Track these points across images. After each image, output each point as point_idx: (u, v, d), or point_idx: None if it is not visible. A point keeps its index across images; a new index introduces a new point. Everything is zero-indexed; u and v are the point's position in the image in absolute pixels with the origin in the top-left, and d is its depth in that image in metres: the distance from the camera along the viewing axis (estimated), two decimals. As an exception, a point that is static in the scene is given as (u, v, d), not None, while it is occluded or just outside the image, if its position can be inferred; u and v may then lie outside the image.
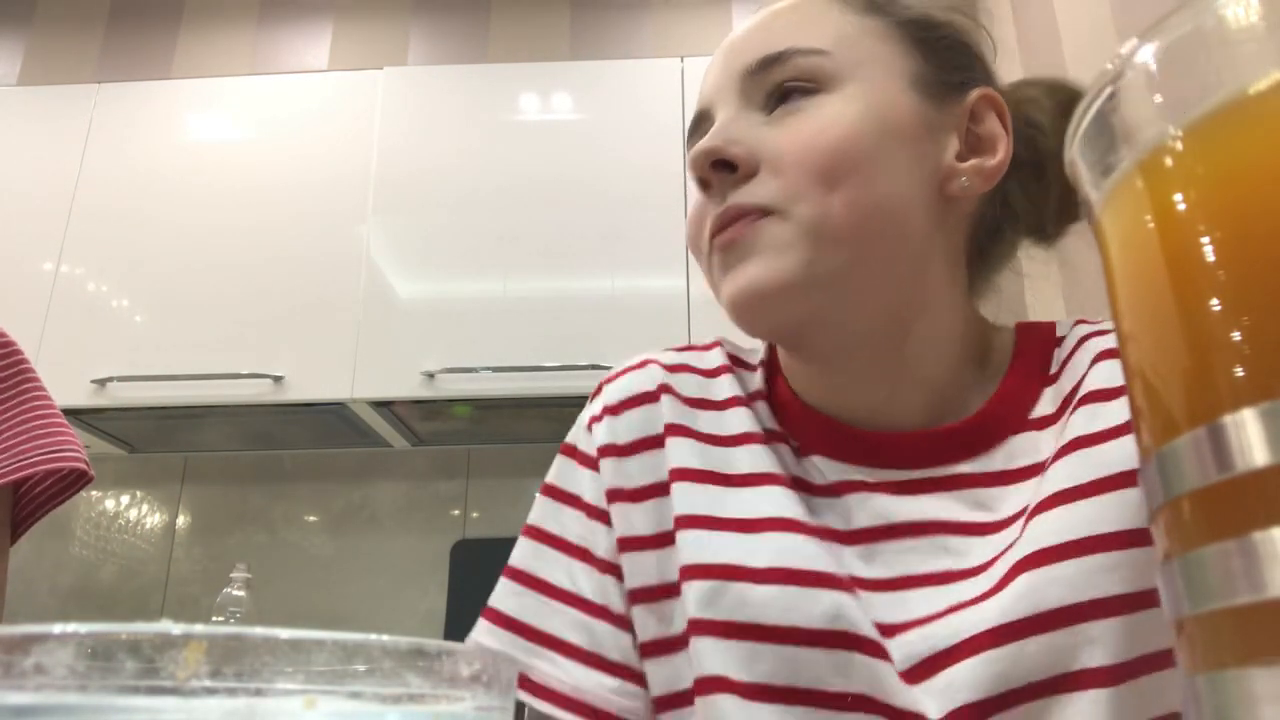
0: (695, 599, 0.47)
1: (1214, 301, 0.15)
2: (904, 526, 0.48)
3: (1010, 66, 2.14)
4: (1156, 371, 0.17)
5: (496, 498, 2.14)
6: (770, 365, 0.58)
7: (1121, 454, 0.45)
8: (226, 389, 1.86)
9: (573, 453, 0.57)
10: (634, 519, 0.52)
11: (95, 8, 2.49)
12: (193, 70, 2.38)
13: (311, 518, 2.17)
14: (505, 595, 0.54)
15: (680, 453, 0.53)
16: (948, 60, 0.54)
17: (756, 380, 0.58)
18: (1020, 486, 0.48)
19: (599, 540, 0.53)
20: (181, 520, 2.17)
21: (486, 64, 2.32)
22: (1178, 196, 0.16)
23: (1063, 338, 0.55)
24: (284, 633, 0.16)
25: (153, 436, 2.09)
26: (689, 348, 0.60)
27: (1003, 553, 0.46)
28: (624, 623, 0.51)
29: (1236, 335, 0.15)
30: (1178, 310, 0.16)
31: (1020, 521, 0.46)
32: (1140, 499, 0.39)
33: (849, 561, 0.48)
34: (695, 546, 0.49)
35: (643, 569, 0.51)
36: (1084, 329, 0.54)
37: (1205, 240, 0.16)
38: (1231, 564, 0.15)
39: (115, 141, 2.07)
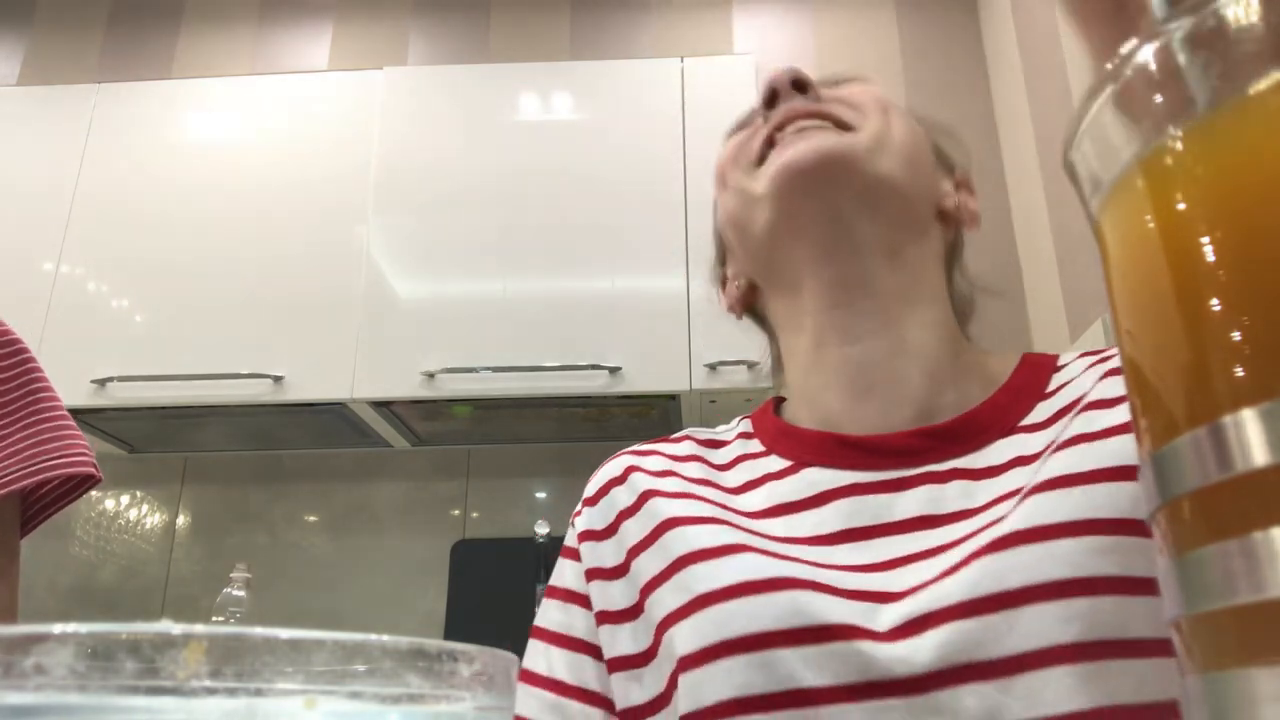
0: (688, 634, 0.49)
1: (1214, 301, 0.15)
2: (899, 524, 0.50)
3: (1011, 66, 2.14)
4: (1156, 371, 0.17)
5: (496, 498, 2.14)
6: (758, 417, 0.64)
7: (1121, 449, 0.47)
8: (226, 389, 1.86)
9: (563, 551, 0.62)
10: (611, 593, 0.57)
11: (95, 8, 2.49)
12: (193, 70, 2.38)
13: (311, 518, 2.17)
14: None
15: (666, 505, 0.57)
16: (948, 144, 0.65)
17: (734, 443, 0.63)
18: (1010, 474, 0.50)
19: (576, 623, 0.57)
20: (181, 520, 2.17)
21: (486, 64, 2.32)
22: (1178, 196, 0.16)
23: (1065, 365, 0.58)
24: (284, 633, 0.16)
25: (153, 436, 2.09)
26: (659, 439, 0.65)
27: (992, 523, 0.47)
28: (596, 700, 0.55)
29: (1236, 335, 0.15)
30: (1178, 310, 0.16)
31: (1012, 501, 0.48)
32: (1136, 492, 0.40)
33: (841, 556, 0.50)
34: (684, 584, 0.52)
35: (620, 640, 0.55)
36: (1090, 358, 0.56)
37: (1205, 240, 0.16)
38: (1231, 564, 0.15)
39: (115, 141, 2.08)
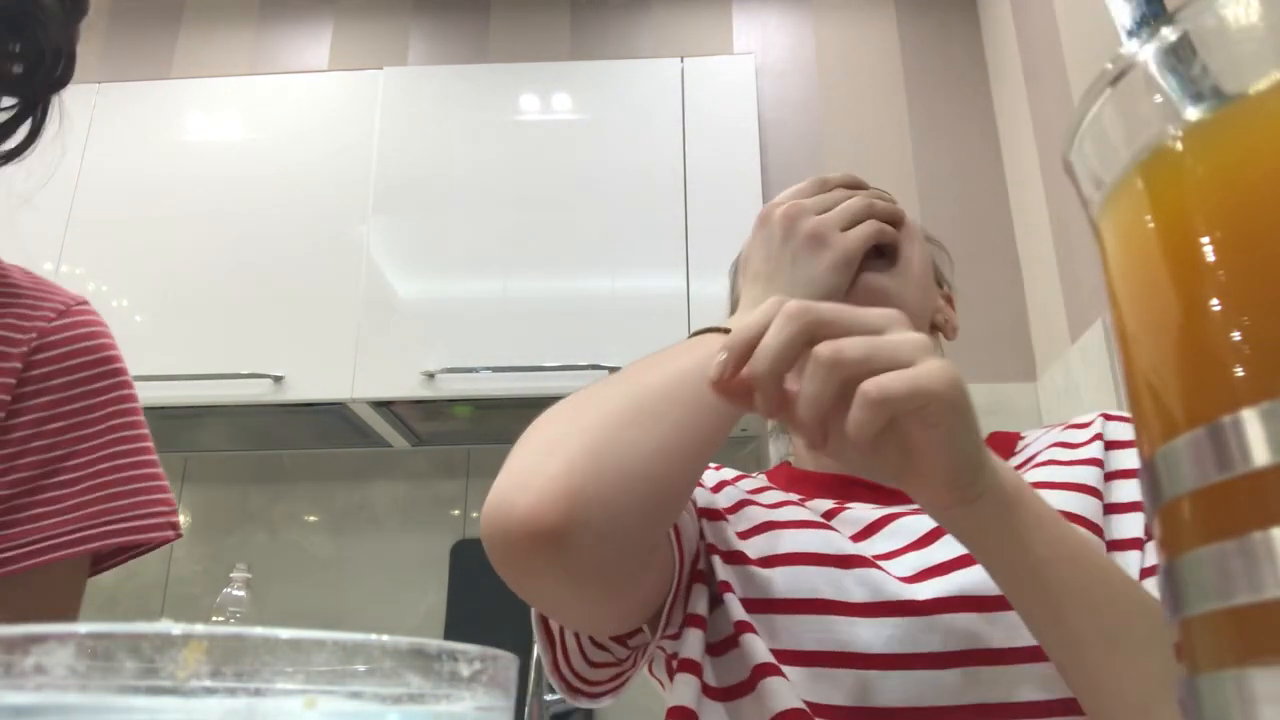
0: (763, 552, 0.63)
1: (1214, 301, 0.15)
2: (910, 526, 0.64)
3: (1011, 66, 2.14)
4: (1156, 371, 0.17)
5: (496, 498, 2.14)
6: (772, 475, 0.75)
7: (1085, 474, 0.61)
8: (226, 389, 1.86)
9: None
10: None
11: (95, 8, 2.49)
12: (193, 70, 2.38)
13: (311, 518, 2.17)
14: None
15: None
16: (941, 260, 0.76)
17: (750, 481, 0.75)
18: None
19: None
20: (181, 520, 2.17)
21: (486, 64, 2.32)
22: (1178, 196, 0.16)
23: (1027, 440, 0.71)
24: (284, 633, 0.16)
25: (153, 436, 2.08)
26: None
27: None
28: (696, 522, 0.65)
29: (1236, 335, 0.15)
30: (1178, 310, 0.16)
31: None
32: (1096, 508, 0.58)
33: (866, 545, 0.63)
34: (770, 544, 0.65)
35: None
36: (1051, 429, 0.70)
37: (1205, 240, 0.16)
38: (1231, 564, 0.15)
39: (115, 141, 2.08)
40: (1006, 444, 0.71)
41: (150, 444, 0.72)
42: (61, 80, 0.68)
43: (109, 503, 0.64)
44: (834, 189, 0.63)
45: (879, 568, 0.59)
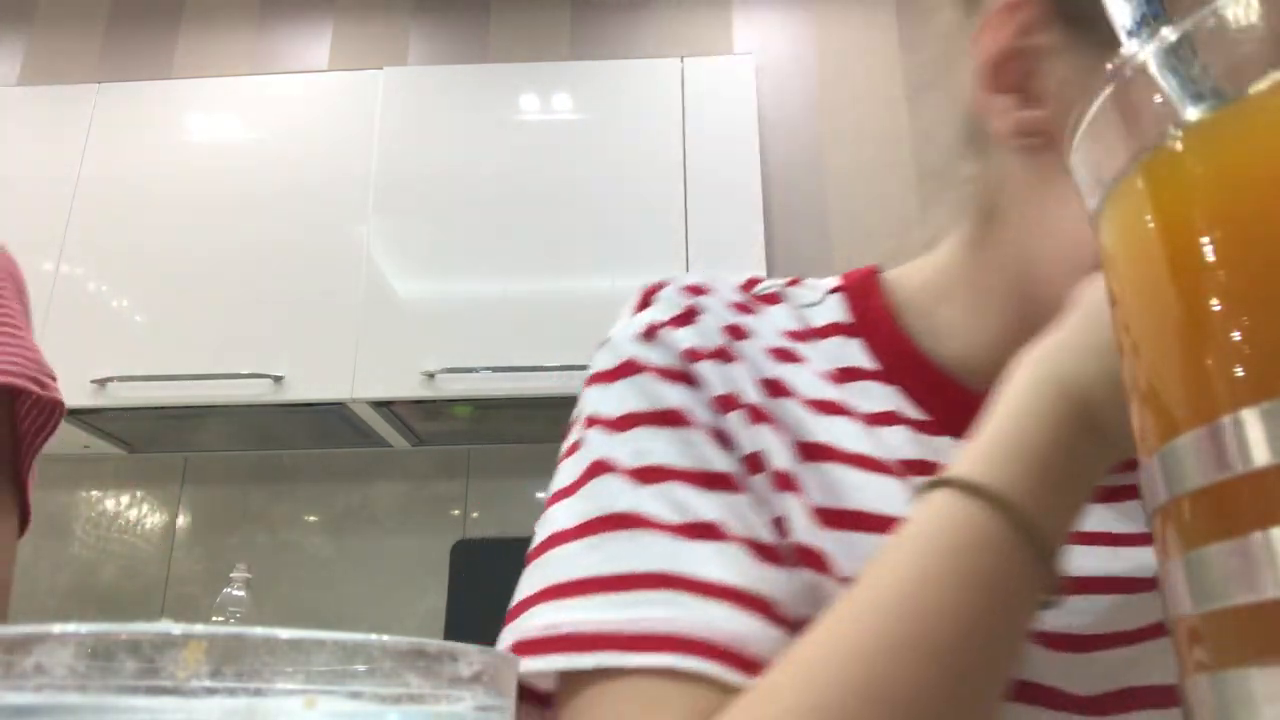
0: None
1: (1214, 301, 0.15)
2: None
3: (1010, 66, 2.14)
4: (1157, 372, 0.17)
5: (496, 498, 2.14)
6: (861, 305, 0.50)
7: None
8: (226, 389, 1.86)
9: (631, 369, 0.51)
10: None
11: (95, 8, 2.49)
12: (193, 70, 2.38)
13: (311, 518, 2.17)
14: None
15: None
16: None
17: (830, 343, 0.49)
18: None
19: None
20: (181, 520, 2.17)
21: (486, 64, 2.32)
22: (1178, 196, 0.16)
23: None
24: (284, 633, 0.16)
25: (153, 436, 2.09)
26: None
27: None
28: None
29: (1236, 335, 0.15)
30: (1178, 310, 0.16)
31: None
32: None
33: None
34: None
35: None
36: None
37: (1205, 240, 0.16)
38: (1231, 564, 0.15)
39: (115, 141, 2.08)
40: None
41: (7, 307, 0.70)
42: None
43: None
44: None
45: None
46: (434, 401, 1.89)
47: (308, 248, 1.96)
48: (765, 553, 0.41)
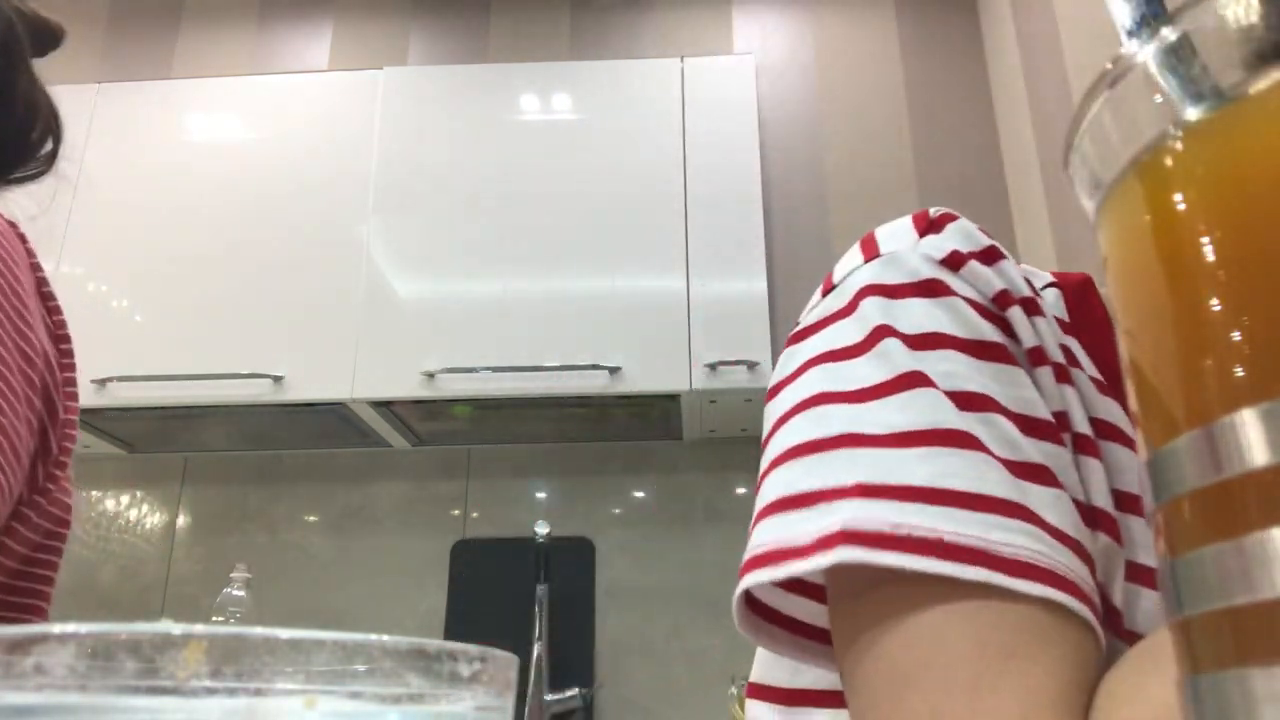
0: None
1: (1214, 301, 0.15)
2: None
3: (1010, 66, 2.14)
4: (1156, 371, 0.17)
5: (496, 498, 2.14)
6: (1078, 304, 0.48)
7: None
8: (226, 389, 1.86)
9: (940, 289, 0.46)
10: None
11: (95, 8, 2.49)
12: (193, 70, 2.38)
13: (311, 518, 2.17)
14: None
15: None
16: None
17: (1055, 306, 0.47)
18: None
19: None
20: (181, 520, 2.17)
21: (486, 64, 2.32)
22: (1177, 197, 0.16)
23: None
24: (284, 633, 0.16)
25: (153, 436, 2.09)
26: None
27: None
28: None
29: (1236, 335, 0.15)
30: (1177, 310, 0.16)
31: None
32: None
33: None
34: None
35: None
36: None
37: (1205, 240, 0.16)
38: (1230, 564, 0.15)
39: (115, 141, 2.08)
40: None
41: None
42: (22, 127, 0.66)
43: None
44: None
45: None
46: (434, 401, 1.89)
47: (308, 248, 1.96)
48: (1083, 511, 0.38)
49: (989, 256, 0.43)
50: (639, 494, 2.11)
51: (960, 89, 2.30)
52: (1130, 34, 0.21)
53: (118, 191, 2.03)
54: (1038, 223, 2.00)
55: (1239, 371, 0.15)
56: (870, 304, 0.41)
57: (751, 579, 0.37)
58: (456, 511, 2.14)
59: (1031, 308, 0.42)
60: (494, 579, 2.03)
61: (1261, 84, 0.15)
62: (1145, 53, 0.17)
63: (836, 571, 0.35)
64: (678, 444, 2.14)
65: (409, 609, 2.06)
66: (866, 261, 0.44)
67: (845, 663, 0.37)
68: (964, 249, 0.43)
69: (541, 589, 1.90)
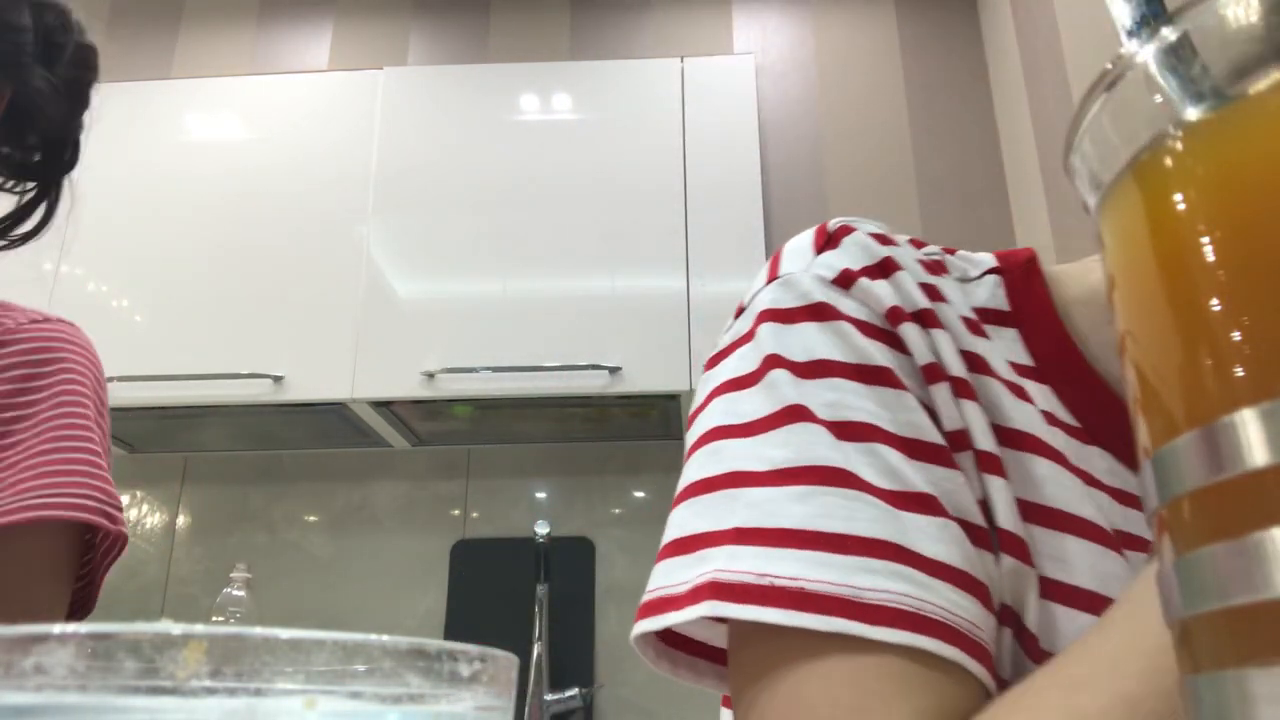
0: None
1: (1214, 301, 0.15)
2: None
3: (1010, 66, 2.14)
4: (1156, 371, 0.17)
5: (496, 498, 2.14)
6: (1021, 295, 0.46)
7: None
8: (226, 389, 1.86)
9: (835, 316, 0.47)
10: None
11: (95, 8, 2.50)
12: (193, 70, 2.38)
13: (311, 518, 2.17)
14: None
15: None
16: None
17: (998, 337, 0.45)
18: None
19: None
20: (181, 520, 2.17)
21: (486, 64, 2.32)
22: (1177, 196, 0.16)
23: None
24: (284, 633, 0.16)
25: (153, 436, 2.09)
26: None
27: None
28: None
29: (1236, 335, 0.15)
30: (1177, 310, 0.16)
31: None
32: None
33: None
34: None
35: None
36: None
37: (1205, 240, 0.16)
38: (1230, 564, 0.15)
39: (115, 141, 2.07)
40: None
41: (91, 436, 0.70)
42: (70, 164, 0.85)
43: (33, 481, 0.64)
44: None
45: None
46: (434, 401, 1.89)
47: (308, 248, 1.96)
48: (977, 535, 0.38)
49: (884, 269, 0.43)
50: (639, 494, 2.11)
51: (960, 89, 2.30)
52: (1130, 34, 0.21)
53: (118, 191, 2.03)
54: (1038, 223, 2.00)
55: (1239, 371, 0.15)
56: (765, 331, 0.42)
57: (638, 629, 0.38)
58: (456, 511, 2.14)
59: (928, 320, 0.42)
60: (494, 579, 2.03)
61: (1261, 84, 0.15)
62: (1145, 53, 0.17)
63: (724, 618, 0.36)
64: (678, 444, 2.13)
65: (409, 609, 2.06)
66: (768, 283, 0.44)
67: (736, 712, 0.38)
68: (856, 265, 0.43)
69: (541, 589, 1.90)
